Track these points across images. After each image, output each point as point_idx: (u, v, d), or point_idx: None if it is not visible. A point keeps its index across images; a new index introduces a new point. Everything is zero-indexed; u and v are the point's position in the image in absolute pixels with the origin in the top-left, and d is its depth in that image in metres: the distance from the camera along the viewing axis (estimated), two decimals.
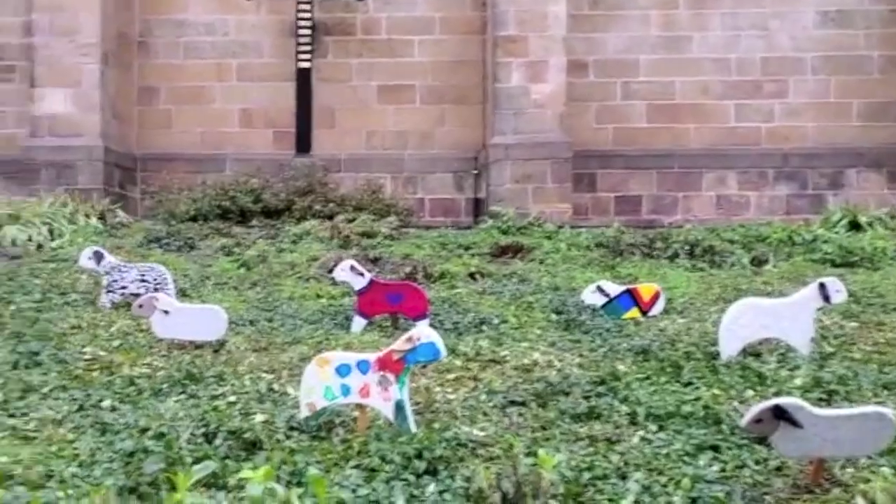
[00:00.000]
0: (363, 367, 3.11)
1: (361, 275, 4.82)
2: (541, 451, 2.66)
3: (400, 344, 3.06)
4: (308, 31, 11.77)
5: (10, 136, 11.62)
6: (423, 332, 3.05)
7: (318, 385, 3.15)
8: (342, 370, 3.12)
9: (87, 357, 4.11)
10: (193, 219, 10.27)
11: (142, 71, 11.97)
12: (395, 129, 11.99)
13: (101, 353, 4.20)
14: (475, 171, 11.83)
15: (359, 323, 4.83)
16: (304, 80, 11.90)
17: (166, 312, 4.28)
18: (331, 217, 9.97)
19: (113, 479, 2.67)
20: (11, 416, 3.32)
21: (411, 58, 12.01)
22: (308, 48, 11.78)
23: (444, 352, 3.06)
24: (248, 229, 8.58)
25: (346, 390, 3.12)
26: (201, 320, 4.33)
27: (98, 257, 5.17)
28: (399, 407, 3.06)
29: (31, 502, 2.19)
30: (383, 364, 3.08)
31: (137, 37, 11.96)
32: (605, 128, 11.80)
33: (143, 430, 3.07)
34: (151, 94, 12.00)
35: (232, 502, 2.28)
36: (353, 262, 4.96)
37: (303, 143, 11.91)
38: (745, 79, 11.56)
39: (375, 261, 6.58)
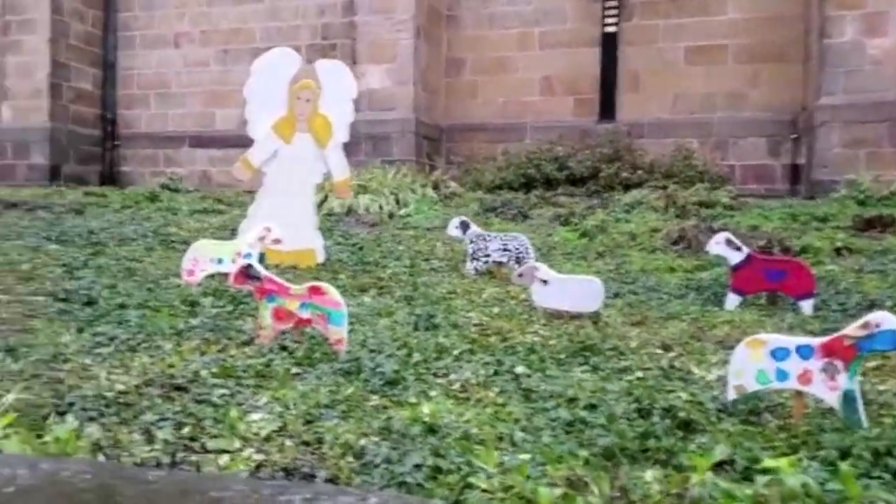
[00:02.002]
0: (804, 351, 2.91)
1: (738, 249, 4.60)
2: None
3: (854, 329, 2.82)
4: None
5: None
6: (883, 317, 2.77)
7: (750, 368, 3.00)
8: (778, 354, 2.95)
9: (474, 322, 4.30)
10: (499, 187, 10.57)
11: (449, 43, 12.47)
12: (704, 91, 11.47)
13: (485, 318, 4.36)
14: (793, 136, 11.00)
15: (733, 300, 4.62)
16: (607, 44, 11.73)
17: (545, 282, 4.37)
18: (639, 185, 9.80)
19: (566, 446, 2.72)
20: (434, 375, 3.54)
21: (723, 16, 11.38)
22: (614, 11, 11.56)
23: None
24: (572, 199, 8.60)
25: (782, 375, 2.95)
26: (579, 291, 4.35)
27: (464, 227, 5.42)
28: (848, 398, 2.83)
29: (521, 466, 2.28)
30: (830, 350, 2.86)
31: (446, 10, 12.45)
32: None
33: (571, 400, 3.12)
34: (458, 65, 12.46)
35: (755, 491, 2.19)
36: (728, 234, 4.74)
37: (605, 108, 11.78)
38: None
39: (719, 232, 6.27)
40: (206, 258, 4.84)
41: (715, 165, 10.55)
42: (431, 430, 2.84)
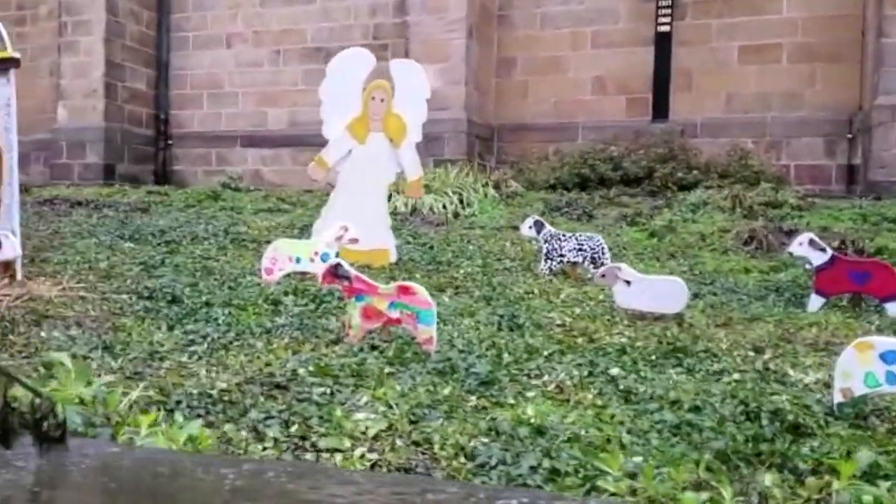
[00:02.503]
0: None
1: (822, 250, 4.53)
2: None
3: None
4: None
5: None
6: None
7: (858, 371, 2.95)
8: (889, 357, 2.90)
9: (557, 323, 4.28)
10: (553, 187, 10.52)
11: (500, 43, 12.44)
12: (757, 90, 11.32)
13: (567, 319, 4.34)
14: (850, 136, 10.82)
15: (816, 301, 4.55)
16: (660, 43, 11.64)
17: (628, 283, 4.34)
18: (694, 185, 9.74)
19: (677, 449, 2.70)
20: (527, 376, 3.53)
21: (779, 14, 11.22)
22: (668, 11, 11.47)
23: None
24: (634, 198, 8.54)
25: (893, 378, 2.90)
26: (663, 292, 4.31)
27: (538, 226, 5.40)
28: None
29: (647, 469, 2.27)
30: None
31: (497, 10, 12.43)
32: None
33: (674, 402, 3.10)
34: (509, 65, 12.43)
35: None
36: (812, 235, 4.67)
37: (658, 108, 11.68)
38: None
39: (790, 233, 6.19)
40: (284, 257, 4.88)
41: (772, 166, 10.41)
42: (539, 431, 2.84)
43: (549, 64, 12.19)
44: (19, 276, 4.37)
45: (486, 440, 2.76)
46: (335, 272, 3.89)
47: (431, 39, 11.70)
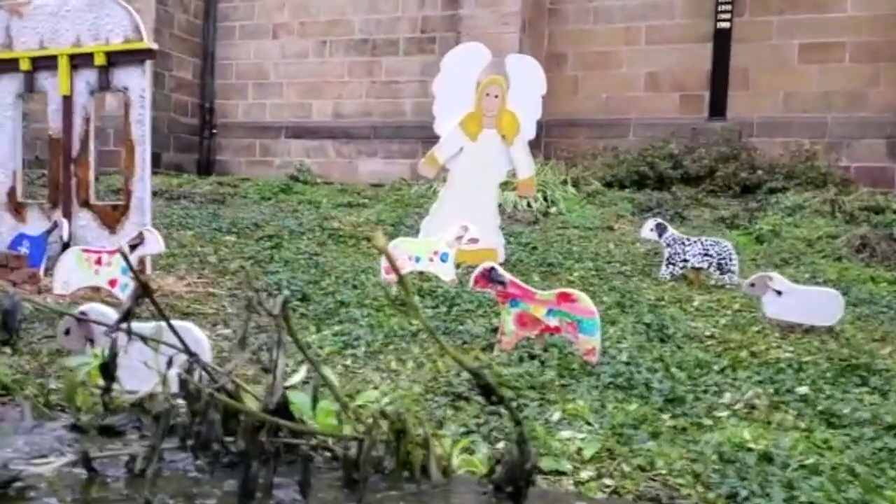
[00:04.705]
0: None
1: None
2: None
3: None
4: None
5: (427, 105, 12.53)
6: None
7: None
8: None
9: (706, 334, 4.10)
10: (609, 185, 10.33)
11: (552, 37, 12.22)
12: (818, 90, 11.09)
13: (715, 329, 4.16)
14: None
15: None
16: (718, 40, 11.43)
17: (779, 293, 4.16)
18: (758, 186, 9.59)
19: None
20: (705, 391, 3.35)
21: (842, 13, 10.99)
22: (727, 7, 11.25)
23: None
24: (718, 199, 8.35)
25: None
26: (817, 304, 4.13)
27: (660, 230, 5.21)
28: None
29: None
30: None
31: (549, 4, 12.21)
32: None
33: (890, 428, 2.93)
34: (559, 60, 12.20)
35: None
36: None
37: (715, 106, 11.47)
38: None
39: None
40: (404, 256, 4.71)
41: (837, 168, 10.22)
42: (766, 458, 2.67)
43: (601, 59, 11.97)
44: (149, 270, 4.18)
45: (716, 467, 2.59)
46: (489, 276, 3.70)
47: (485, 34, 11.42)
